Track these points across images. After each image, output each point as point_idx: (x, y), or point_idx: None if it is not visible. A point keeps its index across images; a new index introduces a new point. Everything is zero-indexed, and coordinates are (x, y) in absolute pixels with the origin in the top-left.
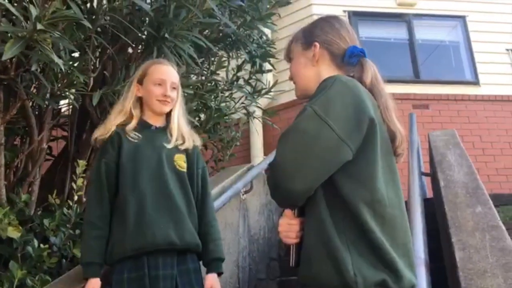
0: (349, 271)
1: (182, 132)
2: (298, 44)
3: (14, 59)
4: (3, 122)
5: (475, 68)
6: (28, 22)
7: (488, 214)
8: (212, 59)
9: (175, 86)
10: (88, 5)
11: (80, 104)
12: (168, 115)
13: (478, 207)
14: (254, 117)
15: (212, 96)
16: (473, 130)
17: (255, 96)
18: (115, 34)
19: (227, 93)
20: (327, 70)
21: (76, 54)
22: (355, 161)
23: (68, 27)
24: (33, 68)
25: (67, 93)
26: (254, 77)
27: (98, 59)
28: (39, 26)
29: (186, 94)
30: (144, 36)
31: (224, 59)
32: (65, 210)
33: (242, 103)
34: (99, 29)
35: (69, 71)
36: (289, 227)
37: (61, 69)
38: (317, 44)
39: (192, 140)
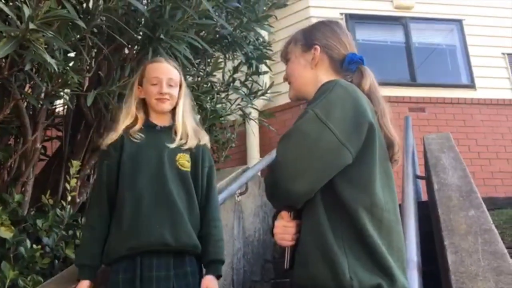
0: (345, 274)
1: (187, 130)
2: (297, 45)
3: (8, 58)
4: None
5: (471, 71)
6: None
7: (481, 217)
8: (208, 60)
9: (172, 83)
10: (84, 5)
11: (75, 104)
12: (174, 113)
13: (471, 210)
14: (250, 119)
15: (208, 98)
16: (469, 133)
17: (251, 98)
18: (110, 35)
19: (223, 95)
20: (325, 74)
21: (72, 54)
22: (355, 165)
23: (63, 27)
24: (26, 68)
25: (62, 93)
26: (250, 78)
27: (93, 60)
28: (31, 26)
29: None
30: (139, 37)
31: (220, 60)
32: (58, 211)
33: (238, 104)
34: (94, 29)
35: (63, 71)
36: (285, 229)
37: (55, 69)
38: (317, 47)
39: (198, 138)
